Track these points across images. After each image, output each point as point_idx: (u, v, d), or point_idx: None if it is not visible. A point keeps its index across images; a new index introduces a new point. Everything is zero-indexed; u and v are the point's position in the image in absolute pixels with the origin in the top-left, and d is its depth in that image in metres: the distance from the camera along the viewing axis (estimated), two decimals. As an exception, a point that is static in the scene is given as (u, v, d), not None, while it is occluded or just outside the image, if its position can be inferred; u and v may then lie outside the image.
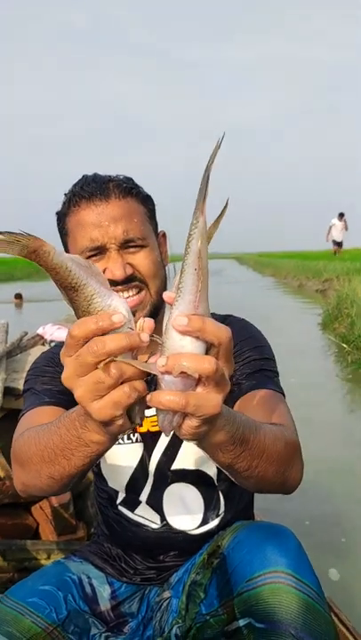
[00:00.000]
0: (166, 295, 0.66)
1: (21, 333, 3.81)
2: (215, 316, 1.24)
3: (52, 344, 3.78)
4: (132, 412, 0.69)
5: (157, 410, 0.67)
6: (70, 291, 0.66)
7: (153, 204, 1.20)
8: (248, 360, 1.15)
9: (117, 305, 0.67)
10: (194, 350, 0.65)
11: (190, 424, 0.67)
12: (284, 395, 1.14)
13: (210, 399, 0.66)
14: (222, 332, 0.66)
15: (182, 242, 0.67)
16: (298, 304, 13.53)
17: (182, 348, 0.65)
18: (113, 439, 0.74)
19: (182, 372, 0.63)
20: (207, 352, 0.66)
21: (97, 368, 0.64)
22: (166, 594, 1.20)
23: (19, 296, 17.06)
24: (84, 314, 0.66)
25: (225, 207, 0.68)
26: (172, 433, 0.70)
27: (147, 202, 1.17)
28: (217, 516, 1.22)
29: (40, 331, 3.92)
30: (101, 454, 0.79)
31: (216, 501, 1.22)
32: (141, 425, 0.71)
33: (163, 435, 1.17)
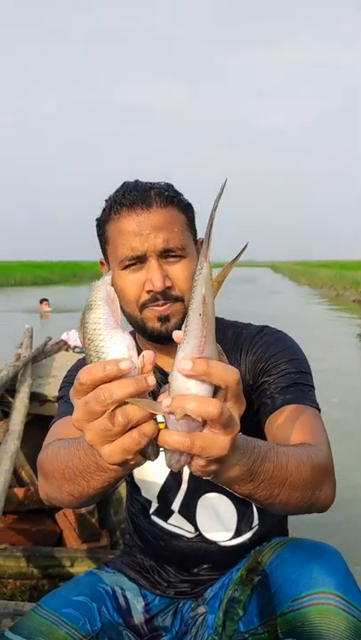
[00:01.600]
0: (175, 335, 0.66)
1: (46, 339, 3.85)
2: (251, 327, 1.23)
3: (76, 350, 3.81)
4: (145, 451, 0.68)
5: (164, 448, 0.67)
6: (86, 308, 0.68)
7: (193, 212, 1.18)
8: (283, 373, 1.13)
9: (117, 339, 0.66)
10: (199, 393, 0.64)
11: (198, 463, 0.67)
12: (319, 409, 1.11)
13: (216, 441, 0.65)
14: (229, 375, 0.64)
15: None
16: (335, 315, 13.25)
17: (187, 390, 0.64)
18: (131, 469, 0.73)
19: (186, 415, 0.63)
20: (215, 393, 0.65)
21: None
22: (201, 609, 1.17)
23: (44, 301, 14.79)
24: (88, 342, 0.67)
25: (241, 252, 0.69)
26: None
27: (187, 210, 1.15)
28: (250, 528, 1.20)
29: (64, 336, 3.96)
30: (120, 478, 0.80)
31: (250, 513, 1.20)
32: (154, 460, 0.70)
33: None
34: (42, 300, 15.20)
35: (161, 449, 0.68)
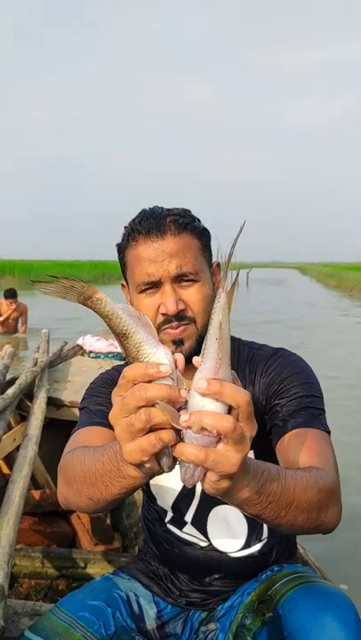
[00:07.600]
0: (195, 360, 0.72)
1: (62, 343, 3.92)
2: (266, 349, 1.27)
3: (92, 355, 3.88)
4: (160, 459, 0.74)
5: (180, 463, 0.73)
6: (121, 337, 0.74)
7: (208, 237, 1.23)
8: (295, 397, 1.17)
9: (161, 356, 0.73)
10: (213, 410, 0.71)
11: (211, 478, 0.73)
12: (329, 433, 1.15)
13: (229, 457, 0.70)
14: (240, 396, 0.70)
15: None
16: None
17: (202, 407, 0.71)
18: (149, 476, 0.79)
19: (203, 429, 0.70)
20: (229, 413, 0.71)
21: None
22: (212, 625, 1.21)
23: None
24: (133, 360, 0.74)
25: (235, 279, 0.76)
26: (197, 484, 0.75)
27: (201, 236, 1.20)
28: (259, 540, 1.25)
29: (80, 341, 4.02)
30: (137, 487, 0.85)
31: (260, 526, 1.25)
32: (168, 471, 0.76)
33: None
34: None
35: (177, 462, 0.74)
